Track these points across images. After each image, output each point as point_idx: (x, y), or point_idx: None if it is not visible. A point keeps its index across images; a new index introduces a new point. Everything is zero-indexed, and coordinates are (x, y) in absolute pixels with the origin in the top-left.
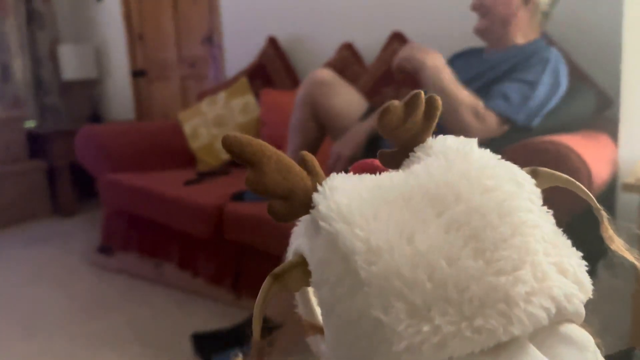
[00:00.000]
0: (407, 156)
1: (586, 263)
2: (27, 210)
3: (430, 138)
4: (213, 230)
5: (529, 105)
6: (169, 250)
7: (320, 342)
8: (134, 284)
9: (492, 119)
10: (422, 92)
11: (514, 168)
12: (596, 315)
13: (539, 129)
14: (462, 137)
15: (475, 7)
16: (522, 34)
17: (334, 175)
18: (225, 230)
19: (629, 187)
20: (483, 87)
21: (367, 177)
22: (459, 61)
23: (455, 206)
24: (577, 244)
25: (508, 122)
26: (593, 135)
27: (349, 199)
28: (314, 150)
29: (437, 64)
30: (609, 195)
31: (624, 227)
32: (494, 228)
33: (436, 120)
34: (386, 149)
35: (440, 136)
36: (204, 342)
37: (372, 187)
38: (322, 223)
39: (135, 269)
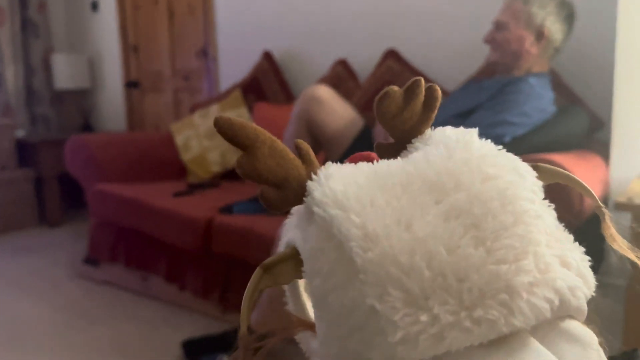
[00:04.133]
0: (405, 148)
1: (589, 258)
2: (14, 220)
3: (429, 129)
4: (201, 243)
5: (495, 131)
6: (157, 263)
7: (311, 339)
8: (120, 297)
9: None
10: (422, 80)
11: (516, 159)
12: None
13: (530, 148)
14: (462, 128)
15: (488, 41)
16: (532, 67)
17: (329, 163)
18: (214, 243)
19: (621, 206)
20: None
21: (364, 165)
22: (460, 92)
23: (455, 194)
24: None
25: None
26: (585, 155)
27: (344, 185)
28: None
29: None
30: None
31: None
32: (495, 216)
33: (435, 112)
34: (383, 142)
35: (440, 127)
36: (195, 347)
37: (369, 174)
38: (316, 209)
39: (122, 281)
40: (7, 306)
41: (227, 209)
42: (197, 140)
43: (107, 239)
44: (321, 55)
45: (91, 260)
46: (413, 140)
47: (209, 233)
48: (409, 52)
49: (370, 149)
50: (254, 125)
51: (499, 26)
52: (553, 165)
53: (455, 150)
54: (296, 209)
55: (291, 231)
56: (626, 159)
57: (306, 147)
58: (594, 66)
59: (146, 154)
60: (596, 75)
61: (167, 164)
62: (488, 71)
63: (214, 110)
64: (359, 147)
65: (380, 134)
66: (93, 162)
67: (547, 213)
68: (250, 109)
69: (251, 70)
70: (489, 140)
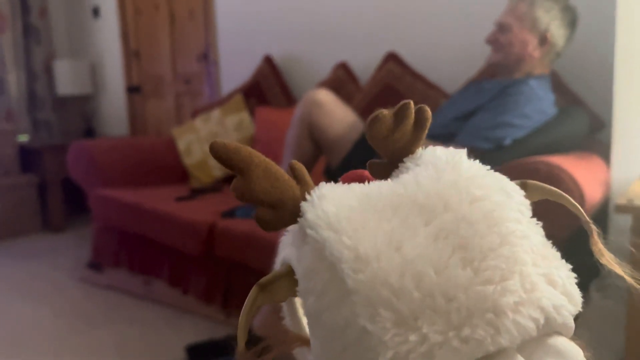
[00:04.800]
0: (397, 167)
1: (575, 275)
2: (17, 225)
3: (420, 149)
4: (204, 247)
5: (495, 133)
6: (159, 267)
7: (307, 354)
8: (123, 301)
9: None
10: (412, 102)
11: (503, 179)
12: (589, 332)
13: (531, 149)
14: (451, 148)
15: (490, 41)
16: (532, 70)
17: (322, 184)
18: (216, 247)
19: (622, 209)
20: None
21: (356, 186)
22: (460, 94)
23: (443, 215)
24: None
25: (472, 149)
26: (586, 156)
27: (337, 207)
28: (308, 168)
29: None
30: (601, 216)
31: (615, 242)
32: (482, 237)
33: (426, 131)
34: (376, 160)
35: (430, 147)
36: (198, 352)
37: (360, 196)
38: (309, 231)
39: (125, 286)
40: (11, 310)
41: (229, 214)
42: (199, 144)
43: (110, 243)
44: (322, 58)
45: (94, 264)
46: (404, 160)
47: (211, 237)
48: (409, 55)
49: (371, 153)
50: (248, 148)
51: (502, 28)
52: (552, 167)
53: (444, 171)
54: (291, 227)
55: (287, 249)
56: (627, 160)
57: (300, 167)
58: (594, 67)
59: (148, 159)
60: (596, 76)
61: (169, 169)
62: (488, 72)
63: (216, 115)
64: (359, 150)
65: None
66: (95, 168)
67: (533, 232)
68: (252, 112)
69: (252, 74)
70: (493, 140)
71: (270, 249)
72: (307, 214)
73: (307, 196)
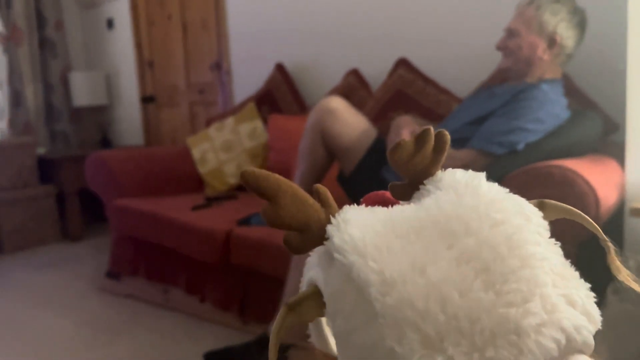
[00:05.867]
0: (417, 188)
1: (594, 295)
2: (37, 235)
3: (440, 171)
4: (220, 255)
5: (509, 138)
6: (177, 276)
7: None
8: (142, 309)
9: (462, 154)
10: (432, 128)
11: (522, 201)
12: (608, 338)
13: (545, 154)
14: (470, 171)
15: (500, 48)
16: (544, 74)
17: (346, 207)
18: (232, 255)
19: (637, 212)
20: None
21: (379, 210)
22: (471, 99)
23: (465, 239)
24: (586, 270)
25: (486, 154)
26: (600, 159)
27: (362, 231)
28: (321, 175)
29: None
30: (616, 219)
31: (632, 256)
32: (503, 260)
33: (445, 154)
34: (397, 182)
35: (450, 169)
36: (216, 359)
37: (384, 220)
38: (336, 255)
39: (143, 294)
40: (31, 320)
41: (245, 221)
42: (213, 153)
43: (128, 252)
44: (333, 65)
45: (113, 274)
46: (425, 182)
47: (227, 245)
48: (420, 61)
49: (384, 160)
50: (276, 175)
51: (511, 33)
52: (566, 171)
53: (464, 195)
54: (317, 249)
55: (313, 269)
56: None
57: (324, 190)
58: (607, 69)
59: (164, 168)
60: (609, 78)
61: (184, 178)
62: (499, 78)
63: (229, 123)
64: (372, 157)
65: (393, 143)
66: (112, 178)
67: (552, 252)
68: (265, 120)
69: (264, 83)
70: (507, 144)
71: (286, 256)
72: (333, 238)
73: (332, 219)
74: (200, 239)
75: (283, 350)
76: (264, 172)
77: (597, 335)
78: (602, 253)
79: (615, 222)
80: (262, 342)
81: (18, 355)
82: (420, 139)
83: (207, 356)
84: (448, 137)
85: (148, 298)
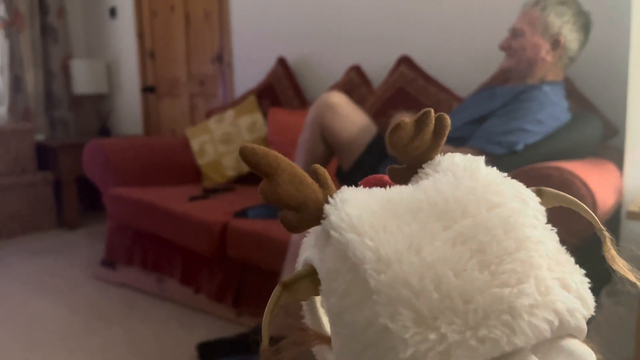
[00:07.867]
0: (416, 173)
1: (589, 280)
2: (33, 222)
3: (439, 155)
4: (216, 247)
5: (508, 138)
6: (172, 266)
7: (327, 352)
8: (136, 299)
9: (461, 152)
10: (432, 110)
11: (520, 186)
12: (600, 338)
13: (544, 155)
14: (469, 155)
15: (504, 48)
16: (546, 75)
17: (344, 187)
18: (228, 247)
19: (634, 215)
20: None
21: (377, 191)
22: (472, 99)
23: (462, 221)
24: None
25: (485, 153)
26: (599, 162)
27: (359, 210)
28: None
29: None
30: (613, 223)
31: (627, 249)
32: (499, 242)
33: (444, 139)
34: (396, 165)
35: (449, 154)
36: (209, 350)
37: (382, 200)
38: (333, 233)
39: (138, 284)
40: (26, 306)
41: (242, 214)
42: (212, 145)
43: (124, 241)
44: (335, 61)
45: (108, 262)
46: (424, 166)
47: (223, 237)
48: (422, 59)
49: (383, 156)
50: (275, 152)
51: (515, 33)
52: (564, 173)
53: (462, 178)
54: (313, 229)
55: (309, 250)
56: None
57: (323, 171)
58: (608, 73)
59: (162, 159)
60: (610, 82)
61: (182, 169)
62: (501, 78)
63: (229, 116)
64: (372, 153)
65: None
66: (110, 166)
67: (548, 237)
68: (265, 114)
69: (266, 76)
70: (506, 145)
71: (282, 249)
72: (330, 216)
73: (330, 199)
74: (197, 230)
75: (278, 341)
76: (264, 148)
77: (589, 333)
78: (598, 256)
79: (612, 226)
80: (255, 334)
81: (11, 340)
82: (420, 121)
83: (199, 347)
84: (448, 121)
85: (143, 287)
